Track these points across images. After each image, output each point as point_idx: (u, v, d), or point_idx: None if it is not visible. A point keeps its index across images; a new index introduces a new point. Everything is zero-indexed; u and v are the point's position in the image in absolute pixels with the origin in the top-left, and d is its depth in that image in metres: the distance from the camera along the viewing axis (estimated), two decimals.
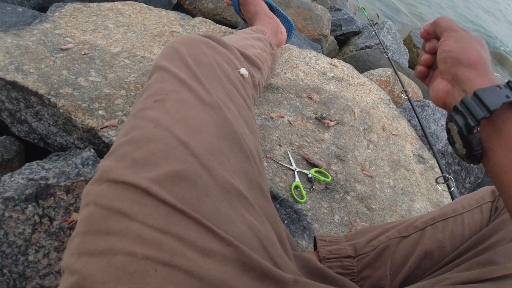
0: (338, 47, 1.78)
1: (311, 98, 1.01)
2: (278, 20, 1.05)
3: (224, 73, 0.53)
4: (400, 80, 1.29)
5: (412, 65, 2.06)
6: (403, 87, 1.23)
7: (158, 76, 0.49)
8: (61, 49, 0.90)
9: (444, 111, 1.27)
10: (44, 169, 0.70)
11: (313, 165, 0.86)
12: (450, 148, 1.17)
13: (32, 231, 0.64)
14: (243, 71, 0.58)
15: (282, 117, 0.92)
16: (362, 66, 1.58)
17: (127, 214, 0.35)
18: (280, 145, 0.86)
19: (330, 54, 1.69)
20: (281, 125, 0.91)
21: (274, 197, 0.76)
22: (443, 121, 1.24)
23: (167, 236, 0.35)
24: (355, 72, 1.22)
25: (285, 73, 1.05)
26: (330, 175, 0.85)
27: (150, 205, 0.36)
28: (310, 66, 1.13)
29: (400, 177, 0.99)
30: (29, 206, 0.64)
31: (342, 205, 0.83)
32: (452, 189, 0.97)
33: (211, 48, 0.55)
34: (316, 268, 0.49)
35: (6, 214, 0.62)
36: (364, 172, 0.93)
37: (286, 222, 0.74)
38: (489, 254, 0.50)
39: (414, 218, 0.63)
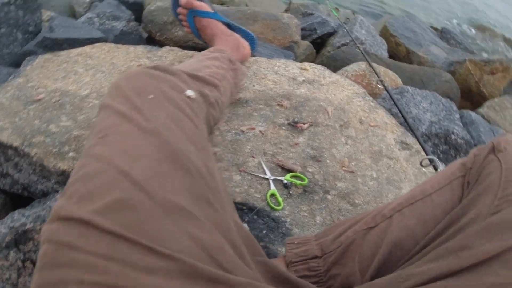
0: (315, 50, 1.80)
1: (281, 105, 1.02)
2: (237, 36, 1.08)
3: (168, 98, 0.55)
4: (374, 71, 1.30)
5: (392, 54, 2.06)
6: (378, 77, 1.23)
7: (102, 114, 0.52)
8: (34, 100, 0.94)
9: (425, 94, 1.27)
10: (24, 216, 0.73)
11: (288, 171, 0.86)
12: (434, 129, 1.16)
13: (18, 275, 0.66)
14: (189, 92, 0.61)
15: (253, 128, 0.94)
16: (340, 64, 1.59)
17: (75, 246, 0.39)
18: (253, 157, 0.87)
19: (307, 59, 1.70)
20: (253, 136, 0.92)
21: (250, 209, 0.77)
22: (424, 104, 1.23)
23: (111, 261, 0.38)
24: (327, 72, 1.23)
25: (253, 85, 1.07)
26: (307, 178, 0.85)
27: (94, 235, 0.39)
28: (279, 74, 1.15)
29: (383, 167, 0.98)
30: (11, 252, 0.67)
31: (323, 205, 0.83)
32: (439, 169, 0.96)
33: (154, 77, 0.57)
34: (279, 273, 0.49)
35: None
36: (344, 168, 0.93)
37: (265, 231, 0.75)
38: (460, 237, 0.47)
39: (384, 206, 0.62)
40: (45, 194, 0.85)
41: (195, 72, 0.72)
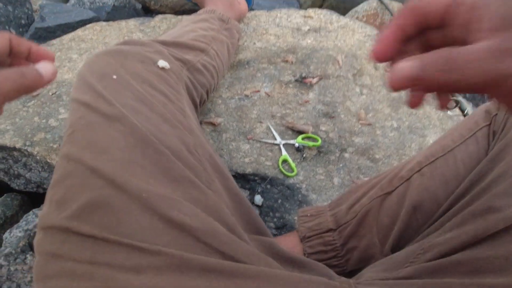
0: None
1: (286, 61, 0.94)
2: None
3: (134, 74, 0.51)
4: (387, 8, 1.17)
5: None
6: (392, 15, 1.11)
7: (70, 109, 0.49)
8: (33, 96, 0.92)
9: None
10: (38, 216, 0.73)
11: (300, 132, 0.80)
12: None
13: None
14: (162, 63, 0.55)
15: (258, 91, 0.87)
16: (349, 5, 1.45)
17: (60, 255, 0.38)
18: (261, 122, 0.81)
19: (315, 4, 1.57)
20: (258, 100, 0.86)
21: (263, 178, 0.73)
22: None
23: (96, 266, 0.37)
24: (334, 16, 1.12)
25: (254, 43, 0.99)
26: (320, 138, 0.79)
27: (75, 241, 0.38)
28: (281, 26, 1.06)
29: (404, 115, 0.90)
30: (27, 255, 0.67)
31: (341, 165, 0.77)
32: (466, 111, 0.87)
33: (117, 54, 0.52)
34: (281, 251, 0.46)
35: (12, 268, 0.66)
36: (361, 121, 0.86)
37: (280, 201, 0.71)
38: (487, 198, 0.41)
39: (401, 165, 0.56)
40: None
41: (176, 39, 0.66)
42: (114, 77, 0.48)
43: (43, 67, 0.37)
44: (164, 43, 0.62)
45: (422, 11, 0.25)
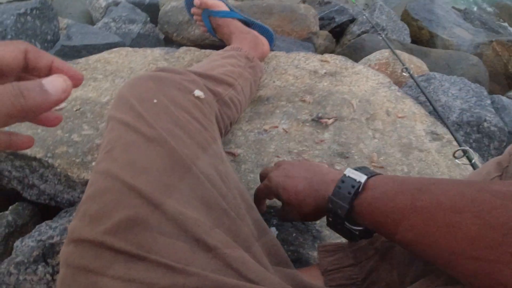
0: (335, 39, 1.74)
1: (304, 101, 0.99)
2: (255, 32, 1.04)
3: (172, 101, 0.53)
4: (399, 59, 1.24)
5: (414, 39, 1.98)
6: (403, 65, 1.18)
7: (109, 126, 0.51)
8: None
9: (453, 80, 1.20)
10: (51, 228, 0.73)
11: None
12: (465, 117, 1.09)
13: None
14: (197, 93, 0.59)
15: (276, 127, 0.91)
16: (362, 53, 1.53)
17: (91, 269, 0.38)
18: (278, 156, 0.84)
19: (328, 49, 1.65)
20: (276, 135, 0.89)
21: (278, 211, 0.74)
22: (453, 90, 1.16)
23: (128, 283, 0.37)
24: (349, 63, 1.19)
25: (274, 81, 1.04)
26: None
27: (108, 257, 0.38)
28: (299, 68, 1.11)
29: (414, 160, 0.93)
30: (39, 266, 0.67)
31: None
32: (473, 161, 0.91)
33: (158, 80, 0.55)
34: (300, 282, 0.47)
35: (21, 278, 0.66)
36: (373, 164, 0.89)
37: (294, 234, 0.72)
38: None
39: None
40: (71, 204, 0.85)
41: (207, 72, 0.70)
42: (155, 101, 0.51)
43: (51, 82, 0.28)
44: (198, 74, 0.66)
45: None
